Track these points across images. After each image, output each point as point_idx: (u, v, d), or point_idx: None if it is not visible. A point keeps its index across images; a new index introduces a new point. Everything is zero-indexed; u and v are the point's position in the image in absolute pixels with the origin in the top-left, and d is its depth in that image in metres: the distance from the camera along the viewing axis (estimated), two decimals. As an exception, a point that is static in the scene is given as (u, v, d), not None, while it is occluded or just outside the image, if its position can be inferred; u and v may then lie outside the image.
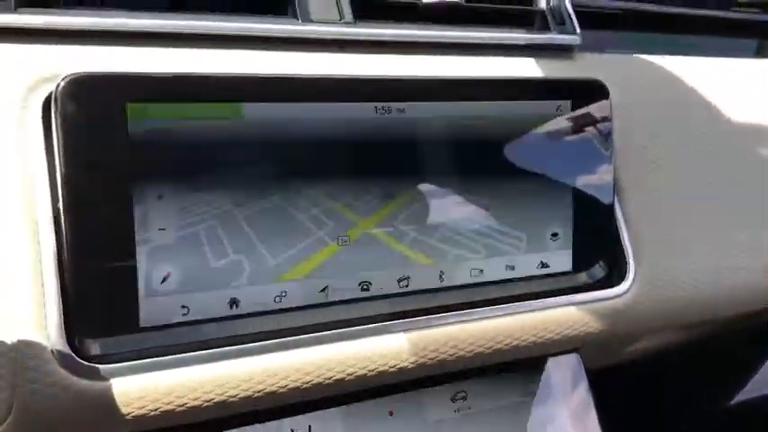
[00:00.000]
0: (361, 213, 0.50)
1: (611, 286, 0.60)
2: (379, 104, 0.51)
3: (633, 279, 0.60)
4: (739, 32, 0.82)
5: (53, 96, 0.42)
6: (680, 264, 0.63)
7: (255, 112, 0.46)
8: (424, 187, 0.52)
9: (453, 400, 0.57)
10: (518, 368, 0.60)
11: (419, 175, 0.52)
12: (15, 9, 0.47)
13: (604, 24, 0.74)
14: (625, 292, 0.60)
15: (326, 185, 0.49)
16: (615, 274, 0.60)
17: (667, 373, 0.99)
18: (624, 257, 0.60)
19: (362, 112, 0.50)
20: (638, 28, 0.76)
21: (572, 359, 0.62)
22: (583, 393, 0.63)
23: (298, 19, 0.55)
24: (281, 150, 0.47)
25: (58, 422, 0.42)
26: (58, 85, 0.42)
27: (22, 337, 0.41)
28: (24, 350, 0.41)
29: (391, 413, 0.55)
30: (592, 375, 0.64)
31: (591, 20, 0.71)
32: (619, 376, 0.92)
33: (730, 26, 0.81)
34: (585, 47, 0.69)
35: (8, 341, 0.40)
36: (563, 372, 0.62)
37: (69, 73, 0.42)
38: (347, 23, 0.57)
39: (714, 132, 0.69)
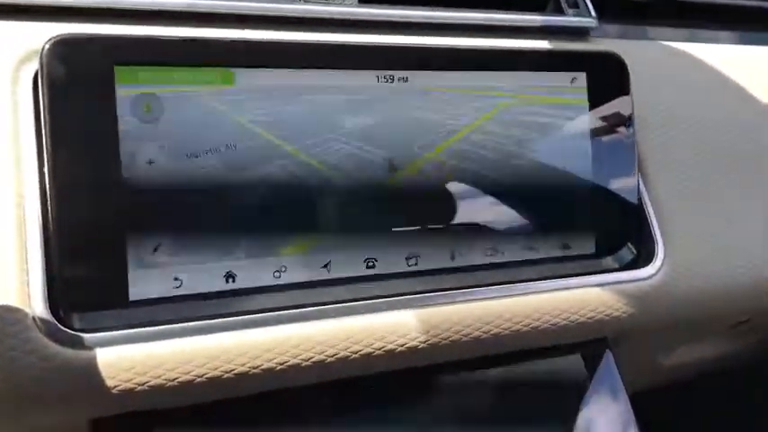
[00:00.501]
0: (364, 185, 0.48)
1: (638, 268, 0.56)
2: (382, 73, 0.49)
3: (662, 262, 0.56)
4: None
5: (39, 60, 0.41)
6: (714, 248, 0.59)
7: (247, 79, 0.45)
8: (434, 162, 0.50)
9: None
10: (538, 357, 0.56)
11: (427, 149, 0.50)
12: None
13: (634, 15, 0.71)
14: (653, 275, 0.56)
15: (328, 156, 0.47)
16: (642, 255, 0.56)
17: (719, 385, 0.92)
18: (652, 238, 0.57)
19: (364, 79, 0.48)
20: (669, 18, 0.73)
21: (603, 355, 0.58)
22: (621, 405, 0.59)
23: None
24: (275, 119, 0.46)
25: (42, 392, 0.40)
26: (44, 48, 0.41)
27: (4, 307, 0.39)
28: (5, 317, 0.39)
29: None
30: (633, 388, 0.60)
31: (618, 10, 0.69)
32: (663, 392, 0.87)
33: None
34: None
35: (-11, 309, 0.39)
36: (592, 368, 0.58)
37: (55, 34, 0.41)
38: (350, 4, 0.56)
39: (746, 117, 0.65)
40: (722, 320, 0.70)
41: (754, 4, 0.77)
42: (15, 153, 0.42)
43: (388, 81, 0.49)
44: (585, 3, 0.65)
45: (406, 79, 0.49)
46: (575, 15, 0.64)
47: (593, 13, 0.65)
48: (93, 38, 0.42)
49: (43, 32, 0.43)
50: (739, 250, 0.60)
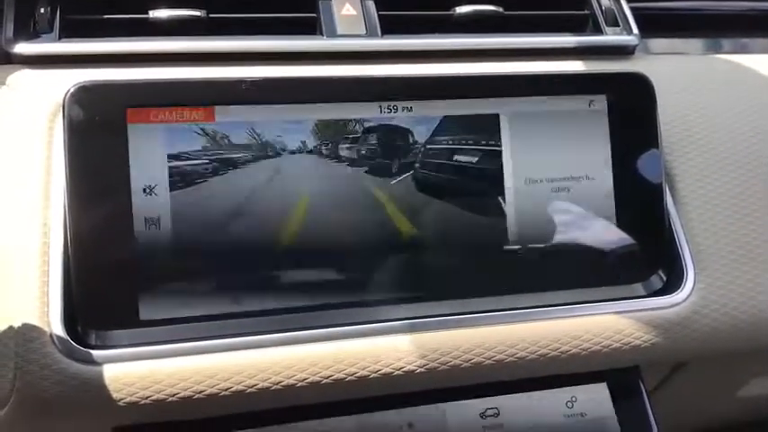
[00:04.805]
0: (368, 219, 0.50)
1: (667, 294, 0.53)
2: (384, 104, 0.50)
3: (692, 288, 0.54)
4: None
5: (62, 102, 0.46)
6: (754, 274, 0.55)
7: (228, 116, 0.48)
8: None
9: (483, 416, 0.53)
10: (564, 384, 0.55)
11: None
12: (59, 39, 0.53)
13: (671, 27, 0.69)
14: (682, 302, 0.53)
15: (334, 196, 0.49)
16: (672, 281, 0.54)
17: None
18: (681, 264, 0.54)
19: (367, 111, 0.50)
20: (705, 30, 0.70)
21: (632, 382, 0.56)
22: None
23: (323, 35, 0.57)
24: (276, 155, 0.48)
25: (57, 405, 0.44)
26: (67, 92, 0.46)
27: (26, 325, 0.44)
28: (27, 336, 0.44)
29: (411, 425, 0.52)
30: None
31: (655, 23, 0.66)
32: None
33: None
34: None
35: (14, 327, 0.44)
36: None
37: (77, 82, 0.46)
38: (374, 36, 0.58)
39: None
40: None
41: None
42: (45, 187, 0.47)
43: (391, 111, 0.50)
44: (627, 20, 0.64)
45: (410, 109, 0.51)
46: (614, 34, 0.63)
47: (635, 30, 0.63)
48: (107, 84, 0.47)
49: (73, 80, 0.49)
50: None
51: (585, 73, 0.58)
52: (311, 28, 0.58)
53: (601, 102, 0.54)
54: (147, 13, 0.55)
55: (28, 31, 0.53)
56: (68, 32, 0.54)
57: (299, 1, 0.58)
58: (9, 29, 0.53)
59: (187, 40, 0.55)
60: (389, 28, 0.58)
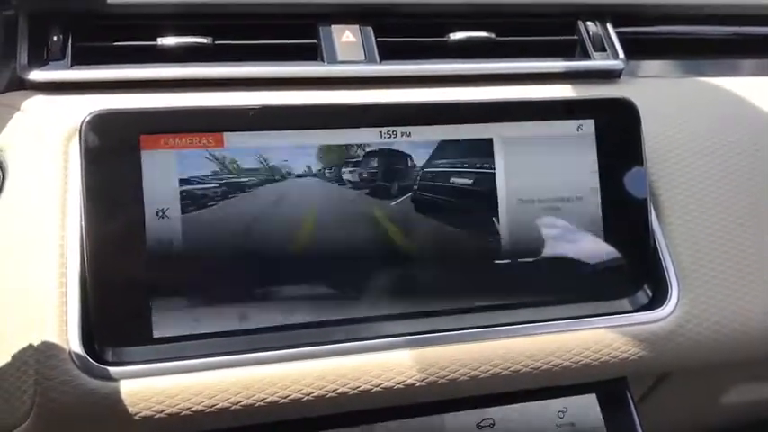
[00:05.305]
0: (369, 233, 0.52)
1: (653, 309, 0.56)
2: (384, 129, 0.53)
3: (676, 303, 0.57)
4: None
5: (79, 129, 0.48)
6: (734, 289, 0.58)
7: (245, 139, 0.51)
8: (439, 211, 0.54)
9: (479, 426, 0.56)
10: (555, 395, 0.57)
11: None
12: (71, 66, 0.55)
13: (656, 51, 0.72)
14: (667, 316, 0.56)
15: (338, 217, 0.52)
16: (657, 297, 0.57)
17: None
18: (666, 280, 0.57)
19: (368, 137, 0.53)
20: (689, 53, 0.73)
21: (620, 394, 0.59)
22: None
23: (324, 61, 0.60)
24: (281, 179, 0.51)
25: (76, 419, 0.46)
26: (83, 120, 0.48)
27: (46, 343, 0.46)
28: (47, 353, 0.46)
29: (410, 436, 0.54)
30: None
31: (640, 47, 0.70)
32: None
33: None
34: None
35: (33, 345, 0.46)
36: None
37: (93, 110, 0.48)
38: (373, 62, 0.60)
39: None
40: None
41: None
42: (62, 209, 0.49)
43: (391, 136, 0.53)
44: (614, 45, 0.67)
45: (408, 134, 0.53)
46: (601, 59, 0.66)
47: (621, 55, 0.66)
48: (122, 112, 0.49)
49: (88, 106, 0.51)
50: (758, 293, 0.59)
51: (574, 99, 0.60)
52: (313, 53, 0.60)
53: (589, 126, 0.57)
54: (155, 40, 0.57)
55: (41, 58, 0.55)
56: (80, 59, 0.56)
57: (301, 28, 0.60)
58: (23, 56, 0.55)
59: (194, 67, 0.57)
60: (387, 54, 0.61)
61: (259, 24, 0.60)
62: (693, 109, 0.65)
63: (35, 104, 0.53)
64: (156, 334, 0.48)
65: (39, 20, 0.56)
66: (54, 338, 0.46)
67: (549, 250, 0.56)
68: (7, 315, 0.47)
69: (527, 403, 0.57)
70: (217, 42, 0.58)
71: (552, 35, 0.66)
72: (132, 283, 0.48)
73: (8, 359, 0.46)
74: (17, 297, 0.47)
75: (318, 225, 0.51)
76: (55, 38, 0.56)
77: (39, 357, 0.46)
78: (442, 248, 0.53)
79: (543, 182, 0.56)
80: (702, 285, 0.58)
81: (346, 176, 0.52)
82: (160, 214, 0.49)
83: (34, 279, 0.47)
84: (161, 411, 0.47)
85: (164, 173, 0.49)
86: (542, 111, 0.56)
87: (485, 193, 0.55)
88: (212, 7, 0.59)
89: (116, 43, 0.57)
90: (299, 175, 0.51)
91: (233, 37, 0.59)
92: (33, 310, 0.47)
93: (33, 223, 0.49)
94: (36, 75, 0.54)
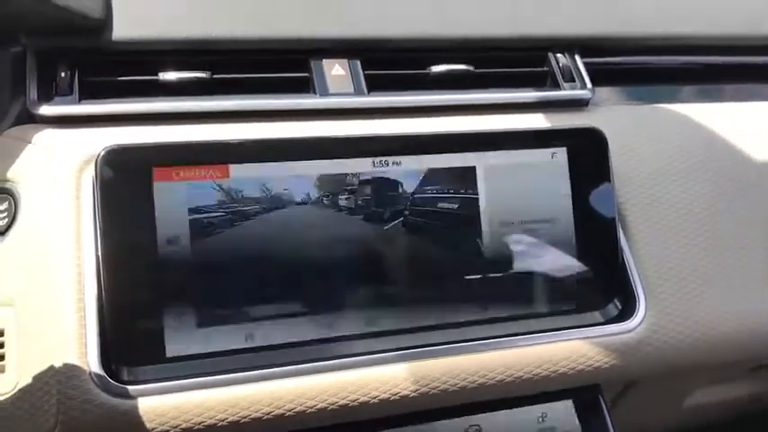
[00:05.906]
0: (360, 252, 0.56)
1: (622, 321, 0.62)
2: (377, 159, 0.57)
3: (644, 315, 0.62)
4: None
5: (94, 163, 0.51)
6: (696, 301, 0.64)
7: (241, 173, 0.55)
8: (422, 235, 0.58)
9: (467, 432, 0.61)
10: (536, 402, 0.62)
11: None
12: (79, 101, 0.58)
13: (622, 79, 0.77)
14: (636, 327, 0.61)
15: (335, 242, 0.56)
16: (626, 310, 0.62)
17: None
18: (633, 294, 0.62)
19: (361, 166, 0.57)
20: (651, 82, 0.79)
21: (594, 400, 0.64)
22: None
23: (316, 93, 0.64)
24: (283, 209, 0.55)
25: (96, 434, 0.50)
26: (98, 155, 0.51)
27: (67, 365, 0.49)
28: (69, 374, 0.49)
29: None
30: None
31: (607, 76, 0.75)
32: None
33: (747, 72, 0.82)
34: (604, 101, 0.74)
35: (54, 367, 0.49)
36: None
37: (107, 145, 0.52)
38: (361, 94, 0.64)
39: (733, 175, 0.70)
40: (735, 365, 0.75)
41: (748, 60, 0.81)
42: (77, 237, 0.52)
43: (383, 165, 0.57)
44: (582, 76, 0.72)
45: (399, 163, 0.58)
46: (570, 89, 0.71)
47: (588, 84, 0.71)
48: (135, 147, 0.52)
49: (96, 138, 0.54)
50: (724, 304, 0.65)
51: (548, 129, 0.66)
52: (305, 86, 0.64)
53: (562, 153, 0.62)
54: (157, 75, 0.61)
55: (50, 93, 0.58)
56: (87, 94, 0.59)
57: (294, 62, 0.64)
58: (33, 92, 0.57)
59: (194, 100, 0.60)
60: (374, 86, 0.65)
61: (255, 59, 0.63)
62: (656, 134, 0.70)
63: (46, 137, 0.56)
64: (170, 353, 0.52)
65: (46, 56, 0.59)
66: (75, 360, 0.49)
67: (527, 268, 0.61)
68: (29, 339, 0.50)
69: (510, 410, 0.61)
70: (215, 76, 0.62)
71: (525, 67, 0.71)
72: (146, 307, 0.51)
73: (31, 381, 0.49)
74: (37, 321, 0.50)
75: (318, 249, 0.55)
76: (62, 74, 0.58)
77: (60, 378, 0.49)
78: (432, 268, 0.58)
79: (521, 205, 0.61)
80: (667, 298, 0.63)
81: (343, 203, 0.56)
82: (171, 242, 0.52)
83: (53, 304, 0.50)
84: (176, 426, 0.50)
85: (174, 203, 0.52)
86: (520, 140, 0.61)
87: (469, 217, 0.59)
88: (210, 44, 0.62)
89: (120, 78, 0.60)
90: (299, 203, 0.55)
91: (230, 71, 0.63)
92: (54, 334, 0.50)
93: (49, 251, 0.52)
94: (45, 109, 0.57)
